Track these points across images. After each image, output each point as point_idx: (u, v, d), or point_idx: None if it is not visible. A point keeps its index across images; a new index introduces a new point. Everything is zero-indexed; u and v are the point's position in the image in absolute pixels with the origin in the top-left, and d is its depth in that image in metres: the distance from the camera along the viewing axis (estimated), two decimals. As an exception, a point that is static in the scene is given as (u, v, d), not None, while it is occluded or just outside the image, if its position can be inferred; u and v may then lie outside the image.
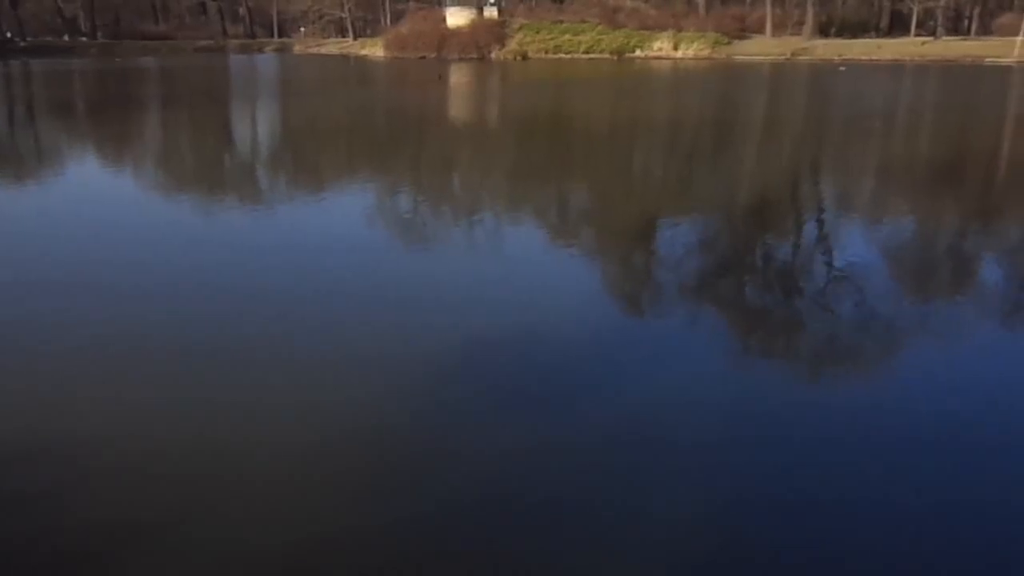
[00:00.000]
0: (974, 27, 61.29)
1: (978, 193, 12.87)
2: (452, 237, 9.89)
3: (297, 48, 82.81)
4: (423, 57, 59.24)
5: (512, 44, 61.46)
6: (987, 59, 47.49)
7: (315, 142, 19.56)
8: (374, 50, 68.28)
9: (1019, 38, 47.68)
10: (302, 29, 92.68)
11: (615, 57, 57.78)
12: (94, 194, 12.53)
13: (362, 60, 64.33)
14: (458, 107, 30.24)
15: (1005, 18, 57.93)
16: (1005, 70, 42.32)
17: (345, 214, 10.95)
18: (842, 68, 44.98)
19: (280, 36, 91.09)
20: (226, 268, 8.10)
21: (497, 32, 62.56)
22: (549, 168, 15.51)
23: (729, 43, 57.66)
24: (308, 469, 4.31)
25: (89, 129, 22.99)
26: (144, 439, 4.60)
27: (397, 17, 77.06)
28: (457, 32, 62.54)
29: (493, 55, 60.22)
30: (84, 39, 79.17)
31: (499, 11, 65.27)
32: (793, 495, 4.12)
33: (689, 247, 9.30)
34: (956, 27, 62.46)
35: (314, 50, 79.98)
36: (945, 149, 17.56)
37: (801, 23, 61.46)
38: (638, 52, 58.16)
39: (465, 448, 4.51)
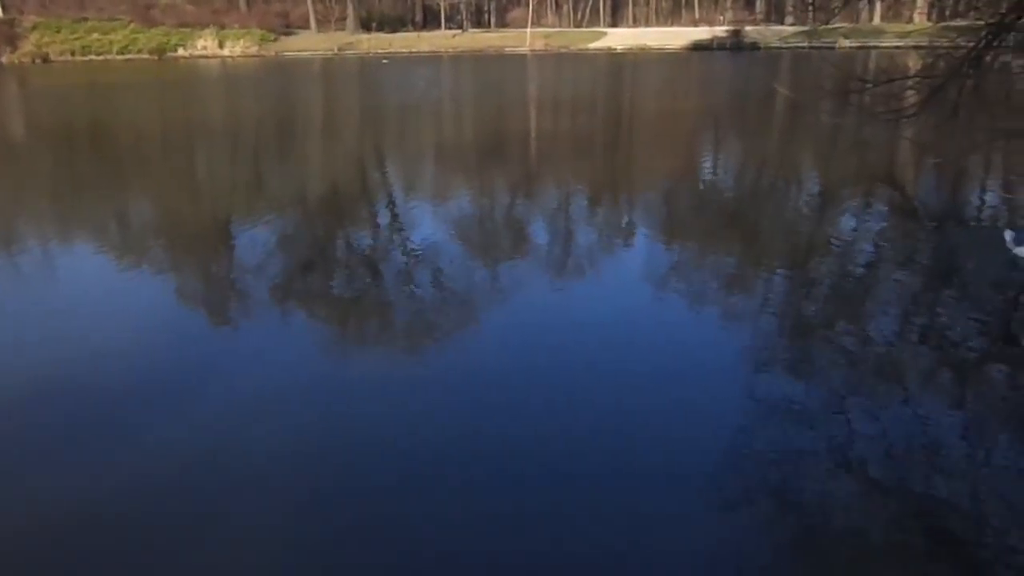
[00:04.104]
0: (493, 20, 69.14)
1: (520, 163, 14.64)
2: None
3: None
4: (-92, 65, 49.02)
5: (27, 46, 53.63)
6: (507, 48, 53.90)
7: None
8: None
9: (528, 30, 55.13)
10: None
11: (156, 57, 53.76)
12: None
13: None
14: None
15: (516, 12, 66.34)
16: (522, 57, 48.66)
17: None
18: (385, 61, 47.47)
19: None
20: None
21: (5, 32, 54.01)
22: (99, 184, 13.98)
23: (276, 39, 57.23)
24: None
25: None
26: None
27: None
28: (-50, 34, 52.78)
29: (4, 59, 52.04)
30: None
31: (3, 8, 56.45)
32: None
33: (267, 248, 9.12)
34: (479, 20, 69.74)
35: None
36: (488, 129, 19.64)
37: (343, 18, 63.41)
38: (181, 51, 54.83)
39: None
